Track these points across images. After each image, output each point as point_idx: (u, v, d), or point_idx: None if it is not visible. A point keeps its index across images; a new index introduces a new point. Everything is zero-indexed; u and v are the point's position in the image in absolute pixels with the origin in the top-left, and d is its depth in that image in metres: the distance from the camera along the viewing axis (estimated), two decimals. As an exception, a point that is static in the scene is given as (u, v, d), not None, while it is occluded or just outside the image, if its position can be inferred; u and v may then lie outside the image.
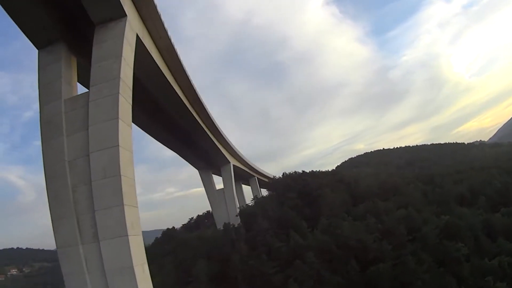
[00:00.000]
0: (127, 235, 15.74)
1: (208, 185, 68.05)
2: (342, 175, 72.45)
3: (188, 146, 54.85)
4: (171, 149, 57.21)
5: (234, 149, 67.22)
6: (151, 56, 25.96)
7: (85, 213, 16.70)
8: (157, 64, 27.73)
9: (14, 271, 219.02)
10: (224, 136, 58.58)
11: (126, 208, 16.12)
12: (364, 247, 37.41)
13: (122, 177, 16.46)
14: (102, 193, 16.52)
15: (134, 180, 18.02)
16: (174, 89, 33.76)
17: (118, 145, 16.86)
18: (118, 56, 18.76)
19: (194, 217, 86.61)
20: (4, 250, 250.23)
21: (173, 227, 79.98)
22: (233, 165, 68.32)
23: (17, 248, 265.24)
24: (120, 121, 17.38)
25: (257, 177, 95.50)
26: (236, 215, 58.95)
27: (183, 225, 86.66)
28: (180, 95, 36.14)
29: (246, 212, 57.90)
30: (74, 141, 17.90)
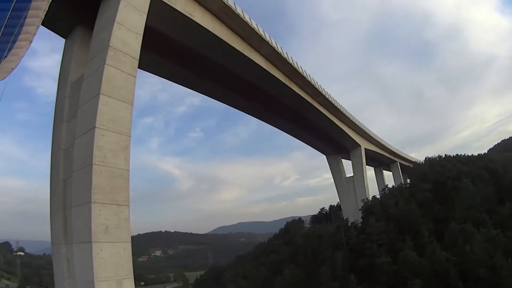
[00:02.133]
0: (91, 242, 12.28)
1: (336, 172, 61.10)
2: (487, 161, 55.51)
3: (310, 131, 50.97)
4: (295, 137, 54.58)
5: (366, 130, 57.47)
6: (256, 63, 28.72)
7: (69, 209, 14.25)
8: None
9: (158, 253, 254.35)
10: (350, 116, 51.60)
11: (94, 207, 12.67)
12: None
13: (94, 166, 13.08)
14: (78, 187, 13.71)
15: (127, 171, 14.38)
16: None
17: (94, 127, 13.56)
18: (111, 22, 15.47)
19: (327, 207, 79.42)
20: (153, 233, 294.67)
21: (299, 219, 75.06)
22: (365, 149, 58.77)
23: (165, 231, 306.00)
24: (102, 97, 14.05)
25: (399, 163, 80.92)
26: (359, 209, 50.26)
27: (312, 216, 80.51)
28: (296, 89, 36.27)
29: (367, 207, 48.96)
30: (71, 128, 15.79)
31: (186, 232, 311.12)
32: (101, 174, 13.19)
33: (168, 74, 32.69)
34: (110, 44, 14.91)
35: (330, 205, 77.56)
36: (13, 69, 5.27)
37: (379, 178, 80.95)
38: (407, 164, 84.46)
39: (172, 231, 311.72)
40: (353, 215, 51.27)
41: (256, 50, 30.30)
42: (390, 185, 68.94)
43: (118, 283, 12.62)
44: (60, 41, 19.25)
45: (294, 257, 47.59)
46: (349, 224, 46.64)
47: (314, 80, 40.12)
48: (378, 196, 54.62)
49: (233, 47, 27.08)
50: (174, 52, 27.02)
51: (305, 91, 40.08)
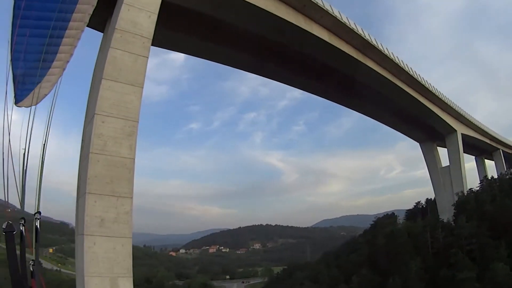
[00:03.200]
0: (83, 234, 11.64)
1: (430, 161, 53.33)
2: None
3: (395, 114, 45.69)
4: (380, 121, 50.08)
5: (462, 112, 48.75)
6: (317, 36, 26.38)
7: (80, 201, 13.97)
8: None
9: (257, 246, 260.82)
10: (442, 97, 44.75)
11: (89, 198, 11.98)
12: None
13: (91, 155, 12.40)
14: (81, 178, 13.33)
15: (132, 160, 13.33)
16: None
17: (94, 113, 12.87)
18: (120, 4, 14.63)
19: (423, 201, 69.17)
20: (254, 226, 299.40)
21: (392, 214, 67.94)
22: (462, 134, 49.76)
23: (266, 224, 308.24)
24: (104, 82, 13.27)
25: (501, 150, 66.83)
26: (452, 205, 42.23)
27: (406, 211, 71.96)
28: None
29: (460, 202, 41.51)
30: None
31: (287, 226, 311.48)
32: (98, 163, 12.41)
33: (227, 60, 31.93)
34: (116, 27, 14.11)
35: (427, 199, 67.91)
36: (46, 95, 5.66)
37: (481, 169, 68.40)
38: (511, 152, 69.96)
39: (273, 224, 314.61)
40: (448, 211, 43.63)
41: (316, 22, 26.93)
42: (492, 177, 57.83)
43: (113, 281, 11.70)
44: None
45: (372, 260, 43.06)
46: (439, 223, 39.64)
47: (393, 55, 34.99)
48: (475, 189, 45.74)
49: (285, 20, 24.43)
50: (221, 33, 25.68)
51: (384, 68, 35.09)
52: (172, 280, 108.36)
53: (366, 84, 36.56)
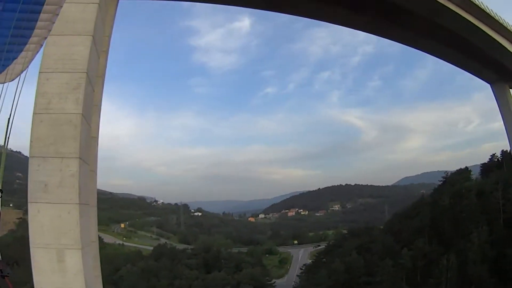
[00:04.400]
0: (28, 202, 10.71)
1: (503, 105, 47.13)
2: None
3: (466, 52, 42.03)
4: (451, 62, 47.49)
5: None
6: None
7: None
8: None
9: (336, 207, 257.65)
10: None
11: (32, 162, 10.93)
12: None
13: (35, 116, 11.30)
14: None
15: (79, 115, 11.57)
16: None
17: (38, 73, 11.57)
18: None
19: (498, 154, 59.62)
20: (333, 187, 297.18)
21: (466, 168, 60.32)
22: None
23: (346, 184, 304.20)
24: (49, 38, 11.67)
25: None
26: None
27: (481, 165, 63.69)
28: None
29: None
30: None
31: (367, 185, 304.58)
32: (41, 123, 11.15)
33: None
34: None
35: (502, 151, 59.47)
36: (22, 71, 5.85)
37: None
38: None
39: (353, 184, 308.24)
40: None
41: None
42: None
43: (59, 253, 10.51)
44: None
45: (434, 225, 38.63)
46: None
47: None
48: None
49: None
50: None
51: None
52: (232, 247, 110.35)
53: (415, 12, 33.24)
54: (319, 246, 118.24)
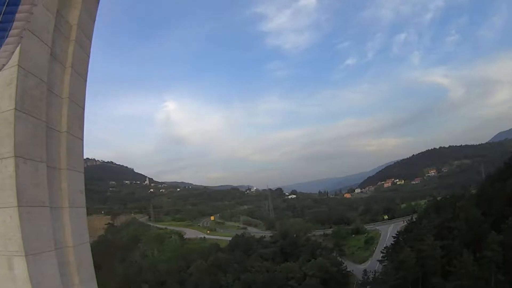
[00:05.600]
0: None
1: None
2: None
3: None
4: None
5: None
6: None
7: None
8: None
9: (432, 172, 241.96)
10: None
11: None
12: None
13: None
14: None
15: (14, 111, 10.57)
16: None
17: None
18: None
19: None
20: (427, 151, 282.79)
21: None
22: None
23: (440, 147, 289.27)
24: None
25: None
26: None
27: None
28: None
29: None
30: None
31: (461, 145, 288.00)
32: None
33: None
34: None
35: None
36: (4, 65, 5.80)
37: None
38: None
39: (447, 146, 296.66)
40: None
41: None
42: None
43: (9, 260, 9.47)
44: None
45: None
46: None
47: None
48: None
49: None
50: None
51: None
52: (312, 231, 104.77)
53: None
54: (409, 220, 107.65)
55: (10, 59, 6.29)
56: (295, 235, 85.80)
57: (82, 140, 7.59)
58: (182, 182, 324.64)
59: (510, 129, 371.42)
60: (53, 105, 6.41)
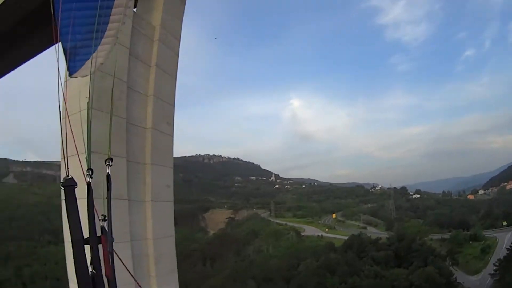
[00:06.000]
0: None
1: None
2: None
3: None
4: None
5: None
6: None
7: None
8: None
9: None
10: None
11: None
12: None
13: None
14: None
15: None
16: None
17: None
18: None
19: None
20: None
21: None
22: None
23: None
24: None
25: None
26: None
27: None
28: None
29: None
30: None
31: None
32: None
33: None
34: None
35: None
36: (101, 64, 6.04)
37: None
38: None
39: None
40: None
41: None
42: None
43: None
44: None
45: None
46: None
47: None
48: None
49: None
50: None
51: None
52: (429, 234, 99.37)
53: None
54: None
55: (107, 57, 6.49)
56: (410, 239, 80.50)
57: (171, 136, 7.64)
58: (309, 179, 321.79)
59: None
60: (135, 102, 6.72)
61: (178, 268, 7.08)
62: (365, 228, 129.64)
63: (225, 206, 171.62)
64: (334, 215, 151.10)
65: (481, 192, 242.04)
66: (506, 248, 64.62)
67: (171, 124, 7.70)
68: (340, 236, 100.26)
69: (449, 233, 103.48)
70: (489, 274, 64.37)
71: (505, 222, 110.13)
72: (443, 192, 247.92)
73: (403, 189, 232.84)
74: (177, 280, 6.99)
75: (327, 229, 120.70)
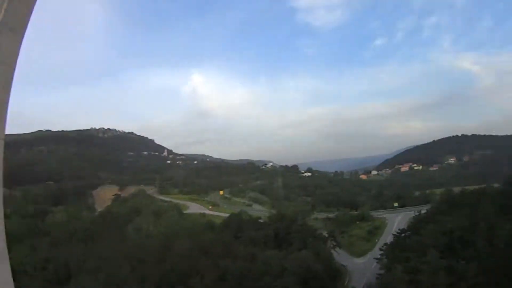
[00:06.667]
0: None
1: None
2: None
3: None
4: None
5: None
6: None
7: None
8: None
9: (452, 160, 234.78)
10: None
11: None
12: None
13: None
14: None
15: None
16: None
17: None
18: None
19: None
20: (448, 138, 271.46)
21: None
22: None
23: (462, 135, 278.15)
24: None
25: None
26: None
27: None
28: None
29: None
30: None
31: (485, 135, 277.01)
32: None
33: None
34: None
35: None
36: None
37: None
38: None
39: (469, 134, 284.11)
40: None
41: None
42: None
43: None
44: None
45: None
46: None
47: None
48: None
49: None
50: None
51: None
52: (311, 214, 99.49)
53: None
54: (420, 212, 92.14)
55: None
56: (291, 219, 77.73)
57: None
58: (203, 155, 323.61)
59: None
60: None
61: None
62: (250, 205, 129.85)
63: (115, 183, 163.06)
64: (221, 192, 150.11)
65: (374, 172, 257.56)
66: (393, 234, 62.35)
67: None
68: (223, 214, 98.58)
69: (337, 212, 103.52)
70: (375, 258, 61.64)
71: (397, 203, 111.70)
72: (335, 171, 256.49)
73: (295, 167, 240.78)
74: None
75: (210, 207, 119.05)
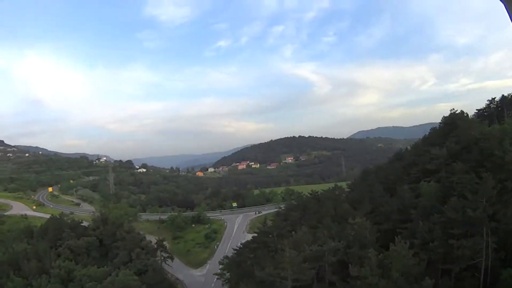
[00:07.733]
0: None
1: None
2: None
3: None
4: None
5: None
6: None
7: None
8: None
9: (289, 159, 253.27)
10: None
11: None
12: None
13: None
14: None
15: None
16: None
17: None
18: None
19: (497, 98, 56.11)
20: (286, 138, 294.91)
21: (463, 113, 48.18)
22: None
23: (299, 136, 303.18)
24: None
25: None
26: None
27: (477, 110, 57.99)
28: None
29: None
30: None
31: (321, 137, 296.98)
32: None
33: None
34: None
35: (503, 95, 56.01)
36: None
37: None
38: None
39: (307, 136, 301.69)
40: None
41: None
42: None
43: None
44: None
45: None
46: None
47: None
48: None
49: None
50: None
51: None
52: (138, 218, 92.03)
53: None
54: (260, 213, 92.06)
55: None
56: (116, 224, 67.67)
57: None
58: (37, 147, 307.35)
59: (370, 130, 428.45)
60: None
61: None
62: (78, 205, 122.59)
63: None
64: (50, 189, 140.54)
65: (211, 170, 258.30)
66: (233, 249, 52.54)
67: None
68: (47, 216, 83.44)
69: (171, 214, 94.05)
70: (215, 274, 53.82)
71: (235, 203, 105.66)
72: (171, 168, 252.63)
73: (129, 163, 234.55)
74: None
75: (34, 207, 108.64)
